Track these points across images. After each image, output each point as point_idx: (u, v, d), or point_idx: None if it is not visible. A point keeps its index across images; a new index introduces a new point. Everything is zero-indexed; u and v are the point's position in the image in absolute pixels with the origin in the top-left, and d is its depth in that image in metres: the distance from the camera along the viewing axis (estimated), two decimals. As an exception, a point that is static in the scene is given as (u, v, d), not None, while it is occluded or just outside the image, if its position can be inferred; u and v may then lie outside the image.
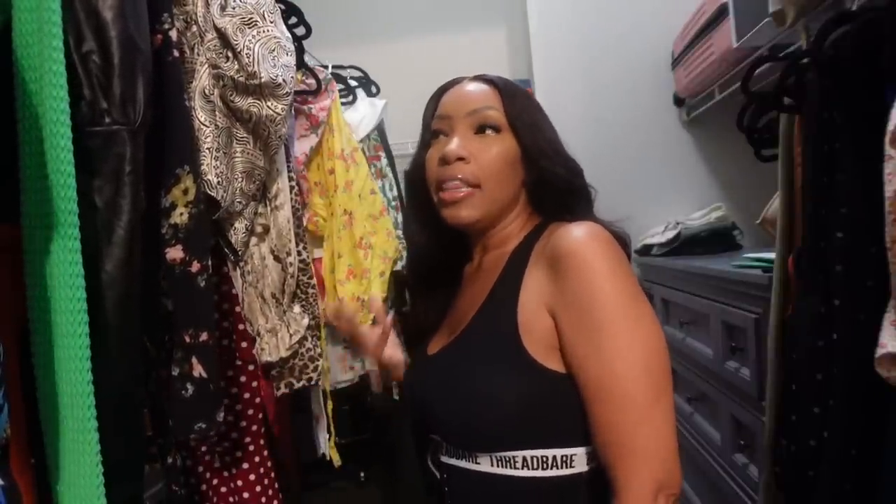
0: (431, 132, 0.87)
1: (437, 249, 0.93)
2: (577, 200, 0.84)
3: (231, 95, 0.98)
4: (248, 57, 0.95)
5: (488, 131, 0.82)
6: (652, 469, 0.65)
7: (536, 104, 0.88)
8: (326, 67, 1.79)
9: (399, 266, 1.86)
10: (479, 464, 0.76)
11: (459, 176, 0.80)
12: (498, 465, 0.74)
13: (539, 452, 0.72)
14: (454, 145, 0.81)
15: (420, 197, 0.90)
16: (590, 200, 0.86)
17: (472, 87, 0.86)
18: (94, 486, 0.57)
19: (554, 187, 0.82)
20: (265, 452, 1.10)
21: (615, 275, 0.70)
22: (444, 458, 0.82)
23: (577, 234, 0.73)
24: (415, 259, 0.98)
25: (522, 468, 0.72)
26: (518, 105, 0.83)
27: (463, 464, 0.78)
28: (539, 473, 0.72)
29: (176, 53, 0.83)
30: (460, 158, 0.80)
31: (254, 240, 1.10)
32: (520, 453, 0.73)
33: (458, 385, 0.77)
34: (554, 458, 0.72)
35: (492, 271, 0.83)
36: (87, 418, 0.56)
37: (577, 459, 0.72)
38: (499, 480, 0.74)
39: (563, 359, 0.72)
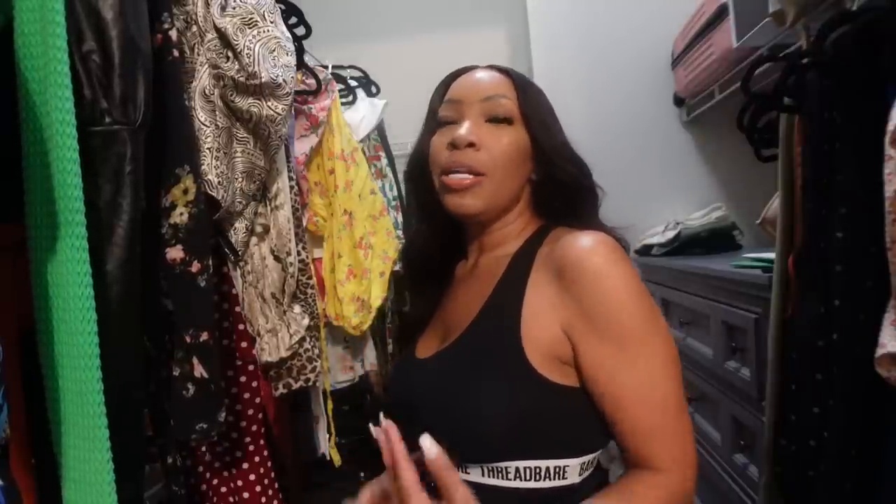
0: (438, 118, 0.83)
1: (432, 242, 0.90)
2: (584, 202, 0.82)
3: (231, 95, 0.98)
4: (248, 57, 0.95)
5: (501, 121, 0.79)
6: (689, 465, 0.70)
7: (548, 101, 0.85)
8: (326, 67, 1.79)
9: (399, 266, 1.86)
10: (468, 473, 0.72)
11: (468, 163, 0.77)
12: (489, 476, 0.71)
13: (532, 463, 0.70)
14: (465, 130, 0.78)
15: (420, 186, 0.87)
16: (596, 203, 0.84)
17: (486, 74, 0.83)
18: (106, 484, 0.57)
19: (563, 186, 0.80)
20: (265, 452, 1.10)
21: (632, 285, 0.70)
22: None
23: (587, 243, 0.71)
24: (410, 250, 0.95)
25: (515, 479, 0.70)
26: (531, 99, 0.81)
27: None
28: (531, 484, 0.70)
29: (176, 53, 0.83)
30: (471, 145, 0.77)
31: (254, 240, 1.10)
32: (513, 464, 0.70)
33: (453, 395, 0.73)
34: (547, 469, 0.70)
35: (490, 275, 0.80)
36: (97, 415, 0.56)
37: (570, 471, 0.71)
38: (489, 491, 0.71)
39: (581, 371, 0.70)
